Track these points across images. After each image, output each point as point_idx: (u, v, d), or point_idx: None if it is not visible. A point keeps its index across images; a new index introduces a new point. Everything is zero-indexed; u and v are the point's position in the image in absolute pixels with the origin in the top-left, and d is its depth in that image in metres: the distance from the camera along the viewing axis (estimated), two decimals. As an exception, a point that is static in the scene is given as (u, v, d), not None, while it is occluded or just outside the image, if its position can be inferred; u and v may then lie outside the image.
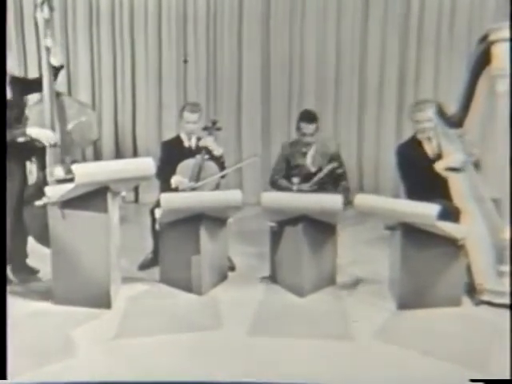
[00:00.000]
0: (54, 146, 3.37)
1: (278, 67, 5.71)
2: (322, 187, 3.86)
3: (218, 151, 3.90)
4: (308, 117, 4.00)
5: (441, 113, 3.61)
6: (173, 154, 3.88)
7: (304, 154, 4.02)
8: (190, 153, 3.86)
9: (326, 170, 3.90)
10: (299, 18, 5.63)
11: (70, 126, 3.53)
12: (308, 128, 3.96)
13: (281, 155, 4.14)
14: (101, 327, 2.95)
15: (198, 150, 3.88)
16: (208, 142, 3.90)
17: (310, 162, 4.02)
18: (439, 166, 3.52)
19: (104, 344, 2.77)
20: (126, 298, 3.29)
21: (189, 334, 2.89)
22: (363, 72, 5.69)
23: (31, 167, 3.53)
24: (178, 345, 2.77)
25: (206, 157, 3.82)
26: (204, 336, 2.87)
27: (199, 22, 5.63)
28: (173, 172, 3.79)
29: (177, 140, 3.99)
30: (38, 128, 3.36)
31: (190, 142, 3.95)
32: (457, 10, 5.51)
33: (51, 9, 3.47)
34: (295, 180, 3.86)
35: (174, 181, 3.75)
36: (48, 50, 3.41)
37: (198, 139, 3.95)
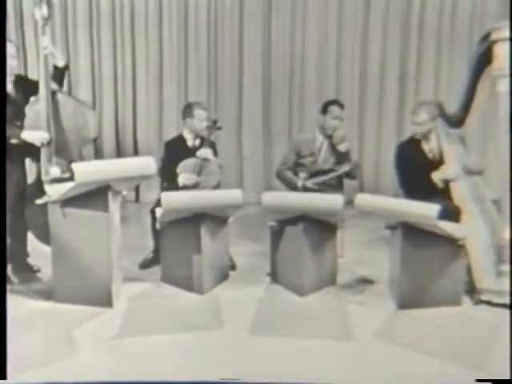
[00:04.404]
0: (48, 144, 3.34)
1: (278, 65, 5.72)
2: (327, 185, 3.83)
3: (216, 163, 3.89)
4: (338, 102, 4.05)
5: (442, 112, 3.61)
6: (176, 153, 3.87)
7: (319, 149, 3.99)
8: (194, 152, 3.86)
9: (337, 172, 3.85)
10: (300, 16, 5.65)
11: (65, 125, 3.49)
12: (337, 110, 3.95)
13: (291, 146, 4.14)
14: (102, 326, 2.95)
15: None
16: (206, 154, 3.86)
17: (322, 156, 3.98)
18: (436, 177, 3.53)
19: (105, 343, 2.77)
20: (127, 297, 3.29)
21: (189, 333, 2.90)
22: (364, 71, 5.71)
23: (31, 166, 3.50)
24: (179, 344, 2.77)
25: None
26: (205, 335, 2.88)
27: (200, 19, 5.65)
28: (175, 171, 3.79)
29: (180, 139, 3.98)
30: (31, 131, 3.33)
31: (194, 142, 3.95)
32: (458, 7, 5.52)
33: (50, 7, 3.43)
34: (302, 175, 3.85)
35: (183, 178, 3.75)
36: (45, 48, 3.38)
37: (202, 139, 3.93)
